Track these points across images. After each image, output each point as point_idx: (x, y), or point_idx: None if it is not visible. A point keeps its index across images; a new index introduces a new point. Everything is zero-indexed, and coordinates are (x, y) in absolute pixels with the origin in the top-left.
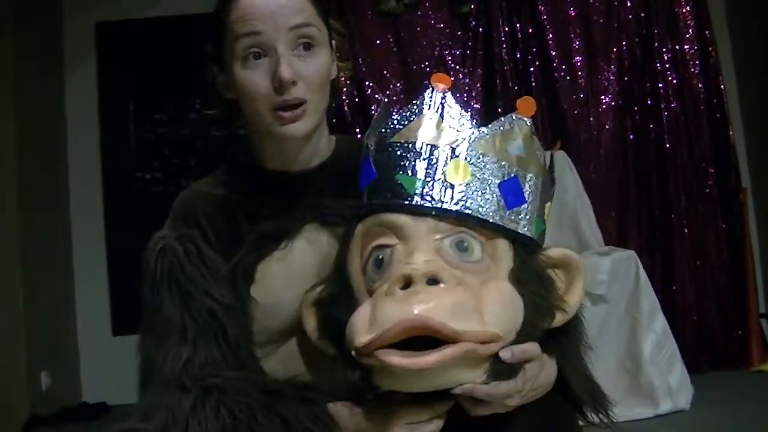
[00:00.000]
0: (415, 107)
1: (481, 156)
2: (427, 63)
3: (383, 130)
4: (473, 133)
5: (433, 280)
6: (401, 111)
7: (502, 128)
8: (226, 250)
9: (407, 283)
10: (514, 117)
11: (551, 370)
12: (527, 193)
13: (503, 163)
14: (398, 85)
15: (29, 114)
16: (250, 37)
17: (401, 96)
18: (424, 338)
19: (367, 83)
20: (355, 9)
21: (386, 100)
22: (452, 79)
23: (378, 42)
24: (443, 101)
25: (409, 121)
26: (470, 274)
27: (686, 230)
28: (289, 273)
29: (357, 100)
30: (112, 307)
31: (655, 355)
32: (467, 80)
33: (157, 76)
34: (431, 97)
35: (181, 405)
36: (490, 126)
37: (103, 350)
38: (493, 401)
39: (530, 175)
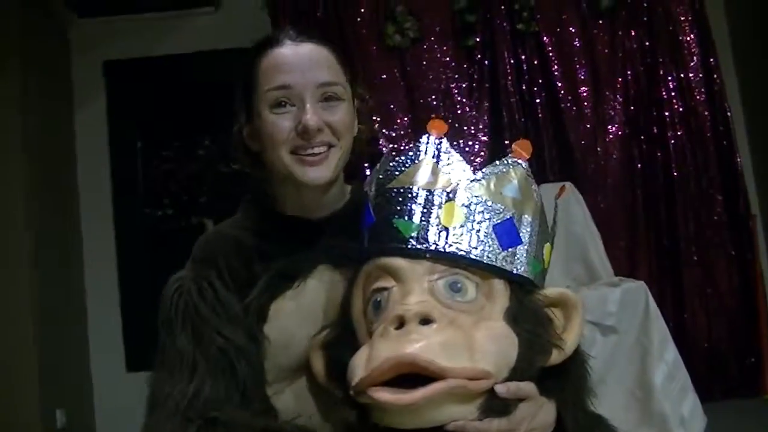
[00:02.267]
0: (411, 153)
1: (475, 199)
2: (433, 96)
3: (382, 177)
4: (468, 177)
5: (426, 320)
6: (399, 157)
7: (497, 172)
8: (242, 291)
9: (401, 323)
10: (509, 160)
11: (550, 412)
12: (523, 234)
13: (498, 205)
14: (405, 119)
15: (40, 150)
16: (280, 90)
17: (408, 130)
18: (418, 377)
19: (374, 118)
20: (360, 44)
21: (392, 148)
22: (449, 122)
23: (384, 76)
24: (438, 146)
25: (406, 167)
26: (463, 313)
27: (696, 258)
28: (301, 312)
29: None
30: (125, 344)
31: (667, 385)
32: (474, 113)
33: (165, 112)
34: (427, 143)
35: None
36: (484, 170)
37: (117, 387)
38: None
39: (526, 216)
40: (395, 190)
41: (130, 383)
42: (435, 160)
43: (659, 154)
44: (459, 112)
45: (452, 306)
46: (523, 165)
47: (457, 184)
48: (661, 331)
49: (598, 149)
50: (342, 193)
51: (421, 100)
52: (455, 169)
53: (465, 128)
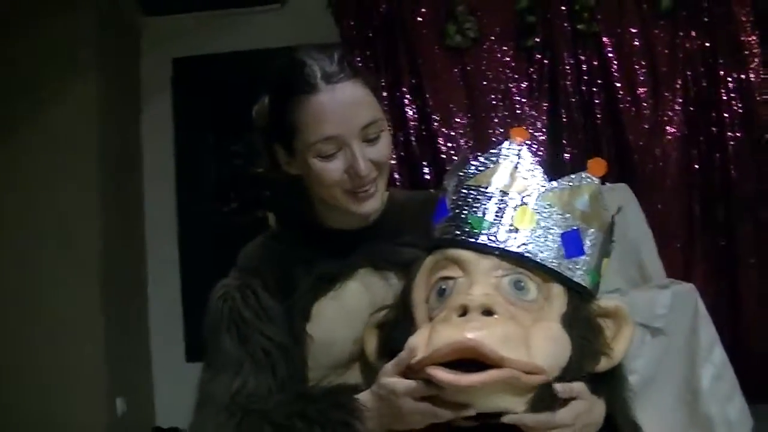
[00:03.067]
0: (492, 156)
1: (548, 206)
2: (492, 96)
3: (461, 174)
4: (543, 185)
5: (488, 312)
6: (480, 158)
7: (571, 184)
8: (284, 297)
9: (464, 311)
10: (583, 175)
11: (600, 409)
12: (587, 246)
13: (567, 215)
14: (464, 119)
15: (109, 149)
16: (327, 142)
17: (467, 129)
18: (472, 364)
19: (434, 117)
20: (421, 44)
21: (466, 151)
22: (508, 121)
23: (444, 76)
24: (519, 153)
25: (486, 168)
26: (524, 311)
27: (752, 260)
28: (342, 312)
29: (424, 133)
30: (186, 334)
31: (714, 388)
32: (533, 112)
33: (232, 109)
34: (509, 148)
35: (228, 424)
36: (560, 180)
37: (177, 376)
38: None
39: (592, 230)
40: (473, 187)
41: (190, 373)
42: (514, 165)
43: (718, 155)
44: (518, 112)
45: (514, 303)
46: (596, 181)
47: (532, 190)
48: (710, 334)
49: (656, 151)
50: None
51: (481, 100)
52: (532, 176)
53: (524, 128)
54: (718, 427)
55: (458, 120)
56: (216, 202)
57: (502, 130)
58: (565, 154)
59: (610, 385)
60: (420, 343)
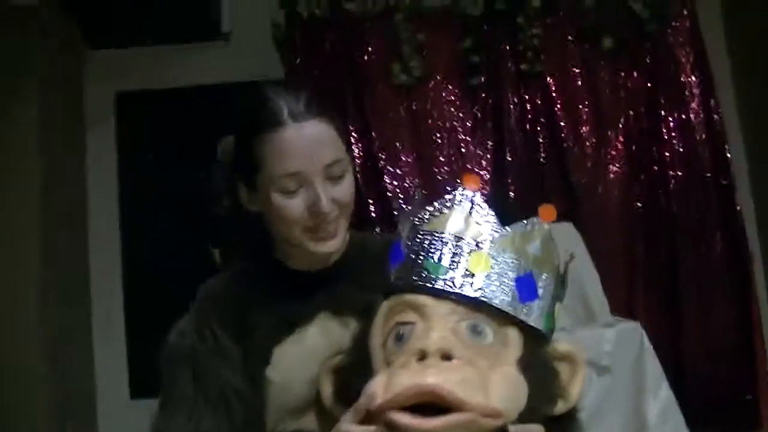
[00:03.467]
0: (447, 202)
1: (501, 251)
2: (438, 134)
3: (416, 219)
4: (497, 230)
5: (446, 356)
6: (434, 204)
7: (523, 229)
8: (242, 337)
9: (422, 356)
10: (534, 221)
11: None
12: (540, 290)
13: (521, 260)
14: (410, 156)
15: (51, 178)
16: (290, 178)
17: (414, 167)
18: (430, 410)
19: (380, 154)
20: (367, 81)
21: (419, 195)
22: (452, 159)
23: (390, 114)
24: (472, 199)
25: (441, 213)
26: (481, 356)
27: (694, 295)
28: (302, 356)
29: (371, 171)
30: (129, 371)
31: (661, 425)
32: (478, 151)
33: (176, 144)
34: (462, 195)
35: None
36: (512, 226)
37: (121, 413)
38: None
39: (545, 274)
40: (428, 232)
41: (134, 410)
42: (467, 210)
43: (660, 192)
44: (463, 150)
45: (471, 347)
46: (546, 227)
47: (486, 236)
48: (655, 370)
49: (599, 188)
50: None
51: (426, 138)
52: (485, 222)
53: (468, 165)
54: None
55: (404, 158)
56: (159, 237)
57: (447, 168)
58: (510, 192)
59: (563, 427)
60: (379, 389)
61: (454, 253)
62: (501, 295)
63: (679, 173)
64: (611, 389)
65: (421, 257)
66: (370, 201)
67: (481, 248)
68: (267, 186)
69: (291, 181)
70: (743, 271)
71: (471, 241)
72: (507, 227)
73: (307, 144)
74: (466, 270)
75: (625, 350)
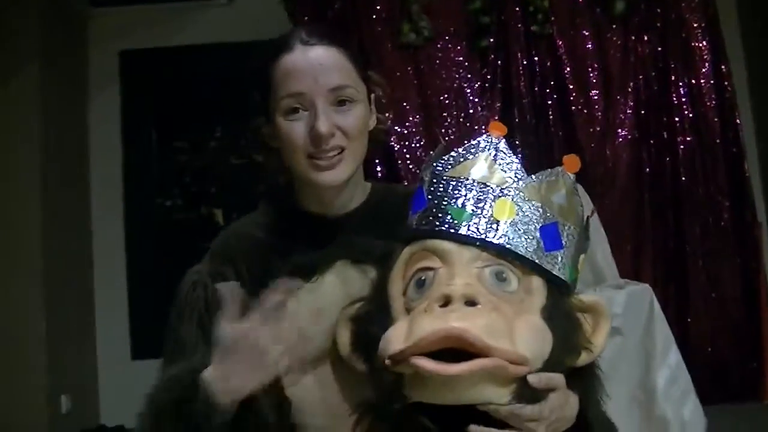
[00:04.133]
0: (471, 148)
1: (526, 199)
2: (446, 95)
3: (438, 165)
4: (522, 178)
5: (471, 302)
6: (457, 150)
7: (548, 178)
8: (259, 287)
9: (446, 302)
10: (560, 170)
11: (574, 405)
12: (564, 240)
13: (546, 209)
14: (417, 117)
15: (54, 141)
16: (293, 98)
17: (420, 128)
18: (455, 355)
19: (386, 114)
20: (375, 41)
21: (447, 140)
22: (461, 121)
23: (398, 74)
24: (497, 146)
25: (465, 159)
26: (506, 302)
27: (701, 263)
28: (317, 305)
29: None
30: (131, 332)
31: (669, 388)
32: (485, 112)
33: (179, 103)
34: (487, 141)
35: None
36: (537, 174)
37: (122, 374)
38: (518, 424)
39: (569, 224)
40: (452, 178)
41: (136, 370)
42: (492, 157)
43: (668, 159)
44: (471, 111)
45: (496, 294)
46: (571, 177)
47: (511, 183)
48: (665, 335)
49: (608, 152)
50: (362, 191)
51: (434, 99)
52: (510, 169)
53: (476, 127)
54: (673, 428)
55: (411, 118)
56: (160, 197)
57: (454, 130)
58: (518, 155)
59: (584, 381)
60: (399, 335)
61: (478, 199)
62: (525, 244)
63: (688, 139)
64: (620, 352)
65: (445, 203)
66: (376, 161)
67: (506, 195)
68: (275, 111)
69: (294, 101)
70: (751, 240)
71: (495, 187)
72: (533, 176)
73: (313, 66)
74: (491, 216)
75: (636, 313)
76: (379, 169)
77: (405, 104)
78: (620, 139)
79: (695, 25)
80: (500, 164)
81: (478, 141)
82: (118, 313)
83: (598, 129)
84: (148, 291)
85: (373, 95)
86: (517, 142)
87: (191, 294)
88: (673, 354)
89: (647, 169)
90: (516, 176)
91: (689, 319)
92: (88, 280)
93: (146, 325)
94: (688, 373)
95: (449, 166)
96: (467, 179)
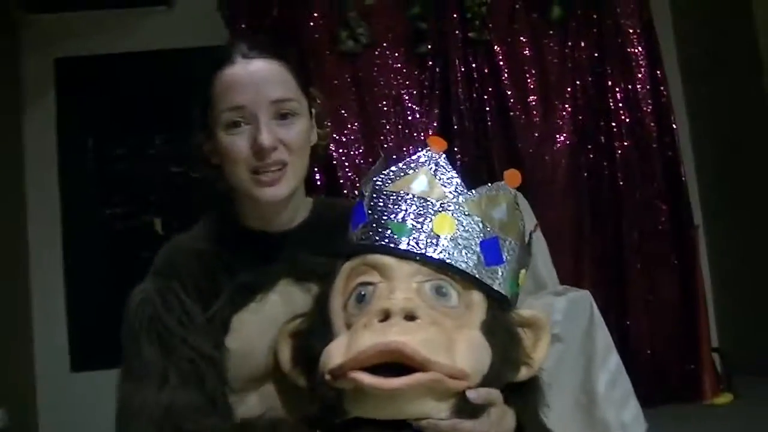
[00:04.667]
0: (411, 162)
1: (466, 214)
2: (384, 102)
3: (379, 180)
4: (462, 193)
5: (410, 316)
6: (398, 164)
7: (488, 192)
8: (205, 301)
9: (385, 316)
10: (500, 185)
11: (512, 420)
12: (505, 255)
13: (486, 224)
14: (356, 124)
15: None
16: (234, 111)
17: (359, 135)
18: (394, 370)
19: (326, 123)
20: (313, 48)
21: (386, 154)
22: (399, 127)
23: (336, 82)
24: (437, 161)
25: (405, 174)
26: (446, 317)
27: (639, 266)
28: (262, 324)
29: None
30: (70, 343)
31: (610, 392)
32: (424, 119)
33: (117, 111)
34: (427, 156)
35: None
36: (477, 189)
37: (61, 387)
38: None
39: (510, 239)
40: (392, 193)
41: (75, 383)
42: (432, 172)
43: (606, 164)
44: (409, 118)
45: (436, 308)
46: (512, 192)
47: (452, 198)
48: (605, 340)
49: (546, 158)
50: (304, 207)
51: (372, 106)
52: (450, 184)
53: (415, 134)
54: (614, 430)
55: (350, 126)
56: (99, 205)
57: (393, 137)
58: (457, 161)
59: (524, 395)
60: (338, 350)
61: (418, 214)
62: (466, 258)
63: (626, 144)
64: (561, 358)
65: (385, 218)
66: (315, 169)
67: (447, 210)
68: (215, 126)
69: (236, 115)
70: (688, 243)
71: (436, 202)
72: (473, 190)
73: (254, 79)
74: (431, 231)
75: (575, 319)
76: (317, 177)
77: (343, 112)
78: (559, 145)
79: (631, 30)
80: (440, 179)
81: (419, 156)
82: (56, 325)
83: (536, 135)
84: (87, 302)
85: (314, 110)
86: (455, 149)
87: (143, 313)
88: (613, 358)
89: (586, 174)
90: (456, 191)
91: (628, 322)
92: (25, 290)
93: (86, 336)
94: (627, 377)
95: (389, 181)
96: (407, 194)
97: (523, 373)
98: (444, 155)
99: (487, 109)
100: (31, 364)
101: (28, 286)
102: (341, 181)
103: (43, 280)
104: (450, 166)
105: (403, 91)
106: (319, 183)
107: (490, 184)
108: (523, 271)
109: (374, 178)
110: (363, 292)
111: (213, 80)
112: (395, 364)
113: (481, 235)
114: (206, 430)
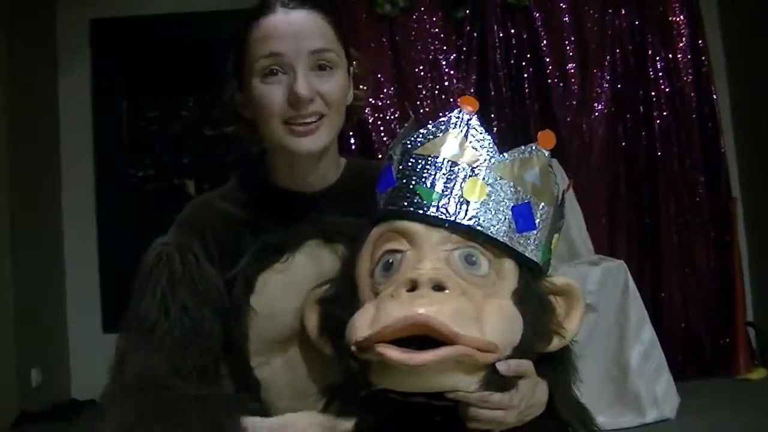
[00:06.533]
0: (441, 124)
1: (498, 178)
2: (421, 67)
3: (408, 142)
4: (494, 156)
5: (439, 287)
6: (427, 126)
7: (521, 155)
8: (227, 263)
9: (413, 286)
10: (533, 147)
11: (544, 391)
12: (538, 220)
13: (518, 188)
14: (391, 88)
15: (22, 110)
16: (271, 58)
17: (394, 100)
18: (422, 341)
19: (363, 87)
20: (350, 11)
21: (416, 115)
22: (435, 93)
23: (372, 45)
24: (469, 122)
25: (435, 137)
26: (475, 286)
27: (675, 238)
28: (288, 285)
29: None
30: (102, 304)
31: (642, 365)
32: (460, 85)
33: (150, 73)
34: (458, 117)
35: (135, 404)
36: (510, 152)
37: (93, 347)
38: (485, 416)
39: (543, 204)
40: (421, 157)
41: (106, 344)
42: (463, 134)
43: (644, 133)
44: (446, 83)
45: (466, 278)
46: (546, 154)
47: (483, 161)
48: (639, 311)
49: (584, 126)
50: (336, 166)
51: (408, 70)
52: (482, 147)
53: (451, 99)
54: (646, 403)
55: (385, 90)
56: (132, 167)
57: (429, 102)
58: (493, 128)
59: (555, 367)
60: (365, 321)
61: (448, 178)
62: (497, 224)
63: (665, 114)
64: (595, 328)
65: (413, 182)
66: (350, 133)
67: (477, 174)
68: (250, 74)
69: (272, 62)
70: (725, 215)
71: (466, 166)
72: (505, 153)
73: (293, 29)
74: (461, 197)
75: (610, 289)
76: (353, 141)
77: (380, 76)
78: (596, 113)
79: None
80: (471, 142)
81: (449, 117)
82: (89, 286)
83: (574, 102)
84: (119, 263)
85: (351, 69)
86: (492, 115)
87: (156, 267)
88: (647, 331)
89: (623, 143)
90: (488, 154)
91: (663, 294)
92: (59, 252)
93: (117, 297)
94: (661, 350)
95: (419, 144)
96: (437, 158)
97: (555, 344)
98: (476, 116)
99: (525, 76)
100: (64, 325)
101: (61, 247)
102: (376, 145)
103: (76, 242)
104: (482, 127)
105: (440, 56)
106: (354, 147)
107: (523, 147)
108: (555, 236)
109: (404, 141)
110: (390, 260)
111: (250, 28)
112: (423, 336)
113: (513, 199)
114: (171, 392)
